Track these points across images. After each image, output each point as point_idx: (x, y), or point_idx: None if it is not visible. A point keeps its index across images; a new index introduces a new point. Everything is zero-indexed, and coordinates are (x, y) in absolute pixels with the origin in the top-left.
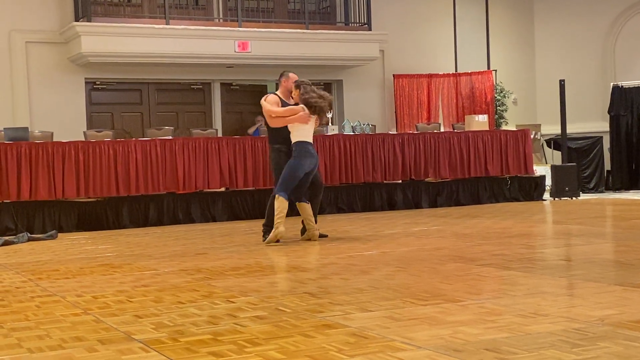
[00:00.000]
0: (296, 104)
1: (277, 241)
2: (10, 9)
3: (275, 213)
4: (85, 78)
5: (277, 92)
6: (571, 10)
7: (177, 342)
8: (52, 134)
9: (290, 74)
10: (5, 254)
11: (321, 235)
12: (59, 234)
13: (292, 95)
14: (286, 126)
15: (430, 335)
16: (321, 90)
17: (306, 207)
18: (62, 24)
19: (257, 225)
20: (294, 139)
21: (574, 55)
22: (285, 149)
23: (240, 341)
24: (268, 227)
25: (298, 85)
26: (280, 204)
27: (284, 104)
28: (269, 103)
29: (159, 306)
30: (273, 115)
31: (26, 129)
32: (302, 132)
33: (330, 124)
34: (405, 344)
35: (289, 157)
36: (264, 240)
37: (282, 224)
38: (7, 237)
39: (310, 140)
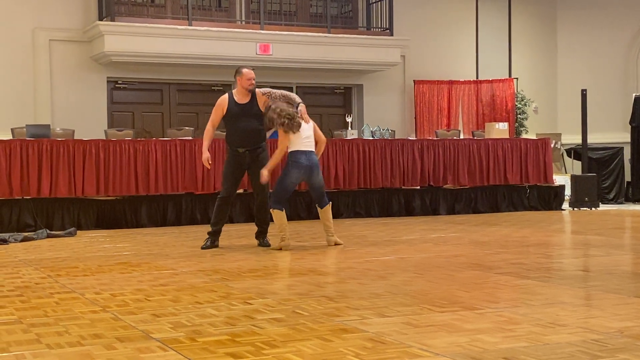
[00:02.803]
0: (247, 103)
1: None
2: (34, 7)
3: (276, 227)
4: (107, 77)
5: (234, 91)
6: (594, 20)
7: (194, 342)
8: (73, 131)
9: (244, 70)
10: (24, 250)
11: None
12: (78, 232)
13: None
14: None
15: (448, 343)
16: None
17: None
18: (85, 22)
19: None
20: (289, 148)
21: (596, 65)
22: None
23: (257, 343)
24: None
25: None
26: (278, 218)
27: (234, 105)
28: (214, 108)
29: (177, 306)
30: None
31: (48, 126)
32: (293, 140)
33: (350, 127)
34: (423, 351)
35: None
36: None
37: (287, 237)
38: (26, 234)
39: (304, 148)
